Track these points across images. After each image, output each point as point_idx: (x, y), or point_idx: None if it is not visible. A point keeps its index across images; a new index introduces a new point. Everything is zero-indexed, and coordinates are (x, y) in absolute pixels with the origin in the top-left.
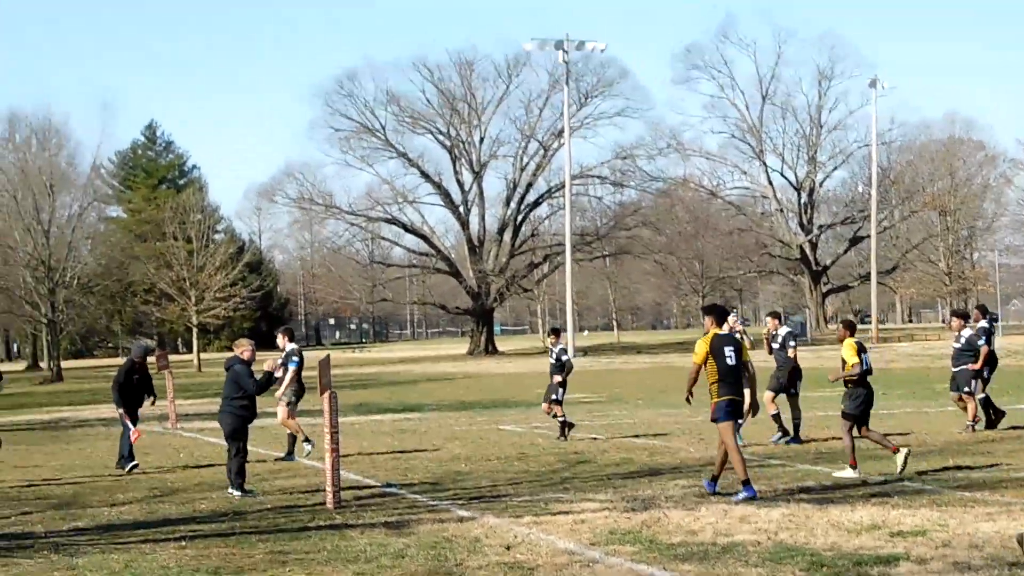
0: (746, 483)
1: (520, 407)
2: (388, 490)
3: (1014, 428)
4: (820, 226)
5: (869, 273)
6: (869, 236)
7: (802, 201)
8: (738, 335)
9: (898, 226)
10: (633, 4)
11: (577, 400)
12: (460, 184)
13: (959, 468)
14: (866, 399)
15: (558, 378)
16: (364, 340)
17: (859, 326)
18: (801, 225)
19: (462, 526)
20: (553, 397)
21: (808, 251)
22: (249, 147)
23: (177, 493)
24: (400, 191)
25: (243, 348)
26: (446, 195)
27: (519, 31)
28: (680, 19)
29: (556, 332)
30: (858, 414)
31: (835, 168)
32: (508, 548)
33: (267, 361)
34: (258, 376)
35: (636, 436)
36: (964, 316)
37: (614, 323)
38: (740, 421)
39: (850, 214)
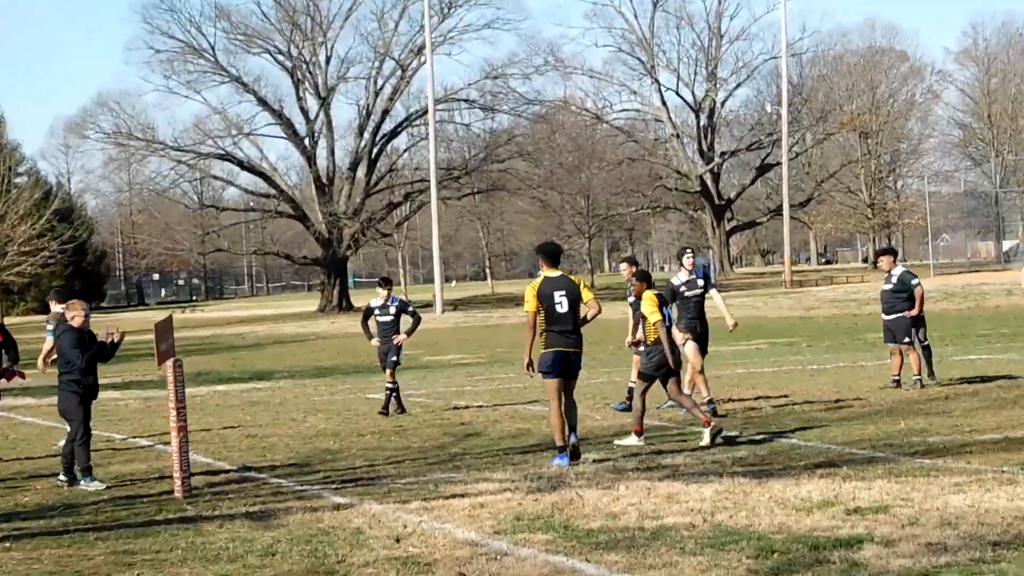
0: (562, 449)
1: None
2: (246, 474)
3: (967, 382)
4: (722, 153)
5: (780, 206)
6: (779, 164)
7: (701, 124)
8: (691, 279)
9: (812, 151)
10: None
11: (452, 362)
12: (304, 112)
13: (913, 432)
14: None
15: (400, 337)
16: (195, 298)
17: (766, 268)
18: (700, 152)
19: (339, 515)
20: (394, 359)
21: (709, 182)
22: (54, 74)
23: None
24: (234, 121)
25: (74, 312)
26: (288, 125)
27: None
28: None
29: (386, 282)
30: (657, 375)
31: (738, 85)
32: (397, 540)
33: (102, 328)
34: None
35: (530, 403)
36: (893, 252)
37: (487, 271)
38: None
39: (756, 138)
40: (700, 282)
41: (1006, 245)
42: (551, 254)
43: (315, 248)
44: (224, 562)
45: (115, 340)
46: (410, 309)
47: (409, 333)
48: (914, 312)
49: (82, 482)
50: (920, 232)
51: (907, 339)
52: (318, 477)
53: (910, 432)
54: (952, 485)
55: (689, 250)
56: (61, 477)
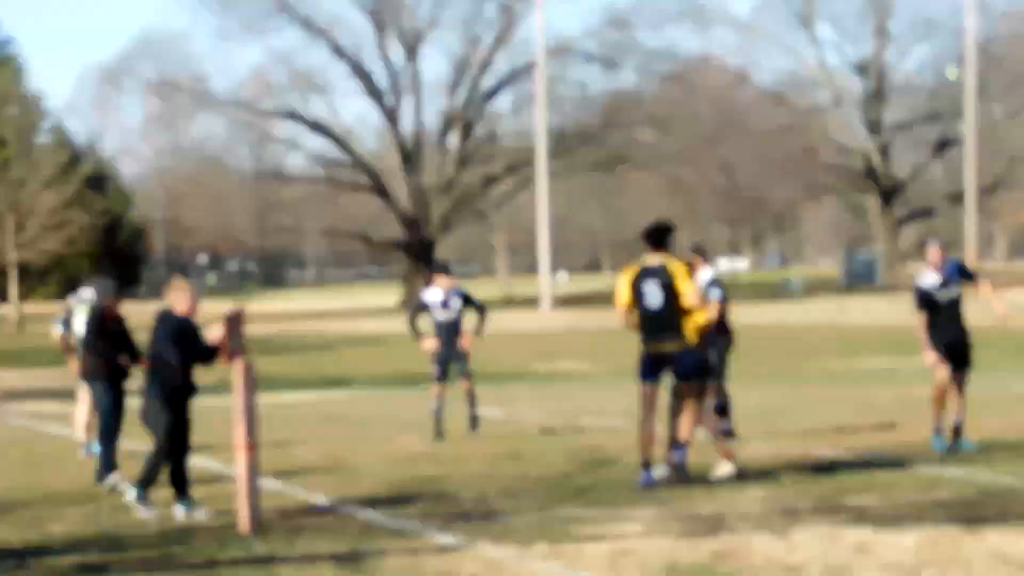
0: (644, 465)
1: (494, 382)
2: (325, 504)
3: None
4: (893, 125)
5: (961, 192)
6: (962, 140)
7: (868, 90)
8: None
9: (1003, 126)
10: None
11: (569, 373)
12: (388, 64)
13: None
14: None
15: (467, 338)
16: (246, 284)
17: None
18: (867, 124)
19: (446, 559)
20: (467, 367)
21: (876, 160)
22: (86, 13)
23: (15, 510)
24: (302, 74)
25: (179, 293)
26: (368, 80)
27: None
28: None
29: (445, 270)
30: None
31: (915, 42)
32: None
33: (213, 327)
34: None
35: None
36: None
37: (604, 262)
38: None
39: (936, 108)
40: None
41: None
42: (650, 235)
43: (396, 229)
44: None
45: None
46: (475, 301)
47: (478, 332)
48: None
49: (141, 508)
50: None
51: None
52: (416, 511)
53: None
54: None
55: (935, 240)
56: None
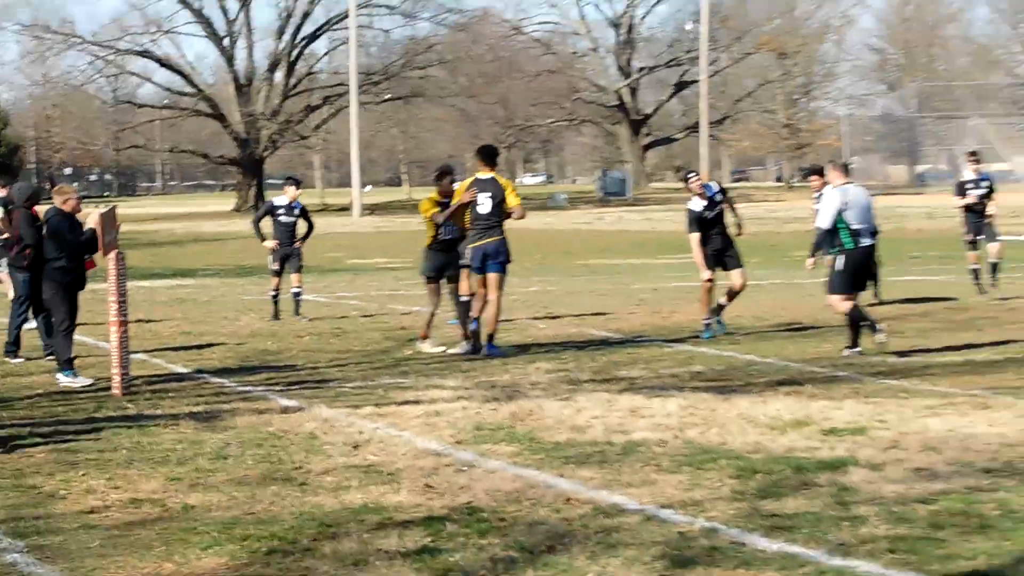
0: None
1: (315, 272)
2: (183, 371)
3: (911, 302)
4: (640, 69)
5: (696, 124)
6: (697, 81)
7: (620, 40)
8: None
9: (729, 71)
10: None
11: (378, 266)
12: (224, 12)
13: (872, 351)
14: None
15: (299, 242)
16: (107, 193)
17: (679, 184)
18: (619, 68)
19: (289, 419)
20: (299, 263)
21: (627, 98)
22: None
23: None
24: (153, 19)
25: (65, 196)
26: (208, 25)
27: None
28: None
29: (296, 183)
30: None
31: (658, 2)
32: (355, 447)
33: (91, 215)
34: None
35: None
36: (821, 172)
37: (402, 177)
38: None
39: (675, 56)
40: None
41: (919, 169)
42: (485, 155)
43: (231, 148)
44: (173, 464)
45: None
46: (309, 217)
47: (304, 239)
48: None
49: (62, 376)
50: (834, 154)
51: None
52: (261, 378)
53: (868, 351)
54: (925, 408)
55: (693, 172)
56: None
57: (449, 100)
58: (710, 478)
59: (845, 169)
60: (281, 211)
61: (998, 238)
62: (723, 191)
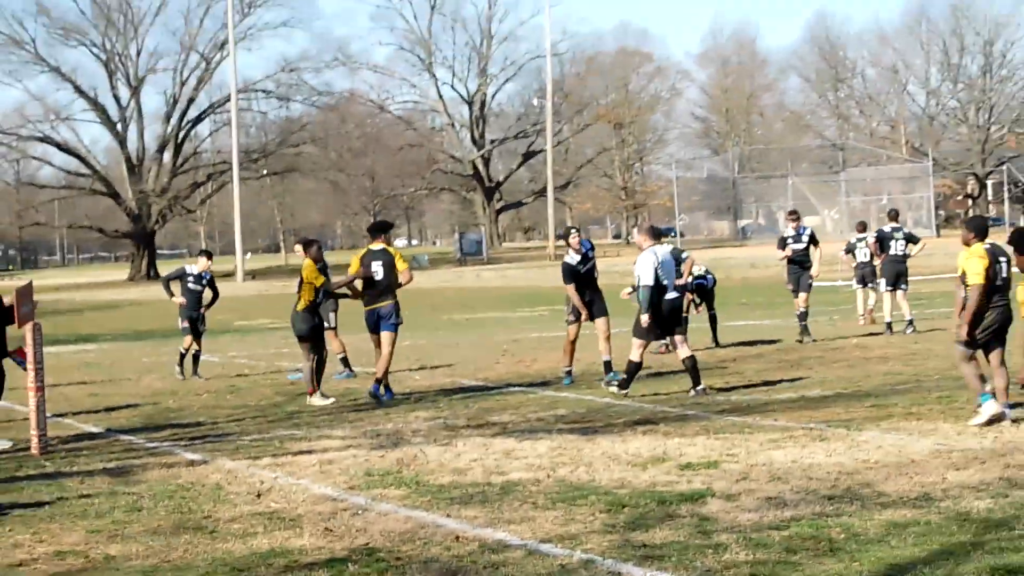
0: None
1: (207, 334)
2: (95, 431)
3: (746, 345)
4: (492, 141)
5: (544, 189)
6: (543, 151)
7: (473, 115)
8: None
9: (571, 140)
10: None
11: (262, 327)
12: (117, 100)
13: (716, 390)
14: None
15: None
16: (11, 267)
17: (528, 243)
18: (473, 140)
19: (195, 471)
20: (202, 328)
21: (480, 167)
22: None
23: None
24: (52, 107)
25: None
26: (102, 111)
27: None
28: None
29: (209, 255)
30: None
31: (507, 80)
32: (258, 496)
33: (8, 290)
34: None
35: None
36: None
37: (281, 244)
38: None
39: (523, 128)
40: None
41: (741, 223)
42: (376, 229)
43: (124, 223)
44: (92, 518)
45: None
46: (215, 287)
47: (208, 306)
48: (681, 281)
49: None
50: (665, 212)
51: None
52: (165, 435)
53: (712, 391)
54: (769, 441)
55: (574, 229)
56: None
57: (321, 174)
58: (583, 513)
59: (653, 232)
60: (191, 279)
61: (811, 286)
62: (592, 247)
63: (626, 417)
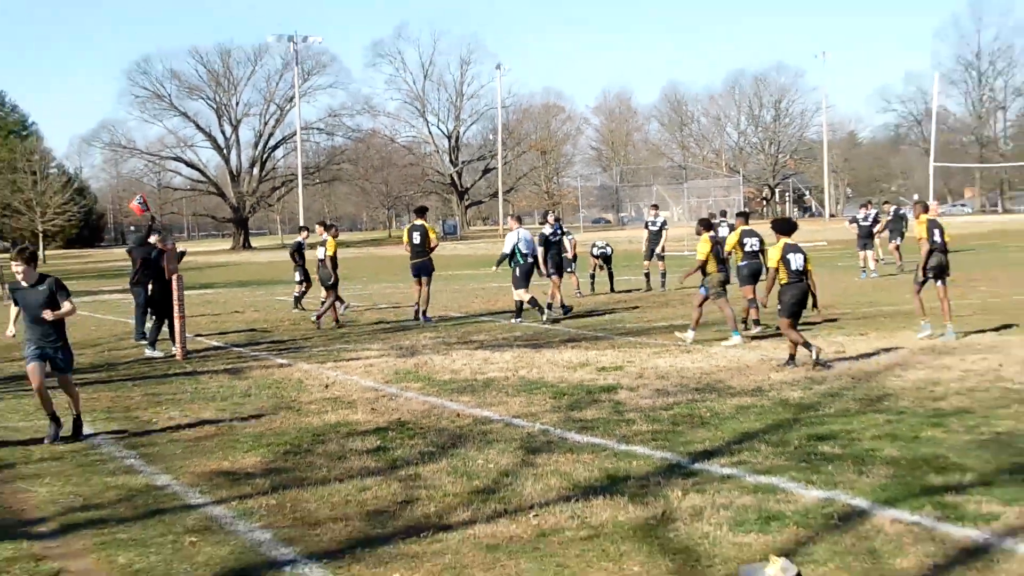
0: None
1: (282, 284)
2: (216, 344)
3: (627, 291)
4: (463, 162)
5: (495, 192)
6: (495, 168)
7: (451, 145)
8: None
9: (513, 162)
10: (337, 6)
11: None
12: (223, 133)
13: (616, 321)
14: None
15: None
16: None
17: (485, 227)
18: (451, 161)
19: (284, 371)
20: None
21: (456, 178)
22: (72, 106)
23: None
24: (182, 138)
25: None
26: (214, 141)
27: (261, 26)
28: (374, 17)
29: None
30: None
31: (472, 123)
32: (327, 387)
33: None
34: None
35: (377, 306)
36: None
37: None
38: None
39: (483, 154)
40: (559, 232)
41: (621, 215)
42: (417, 211)
43: (228, 212)
44: (219, 400)
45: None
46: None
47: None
48: (570, 254)
49: (147, 350)
50: (573, 208)
51: (570, 269)
52: (263, 348)
53: (614, 321)
54: (653, 353)
55: (551, 212)
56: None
57: (354, 183)
58: (538, 399)
59: (519, 220)
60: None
61: (664, 255)
62: (562, 226)
63: (561, 337)
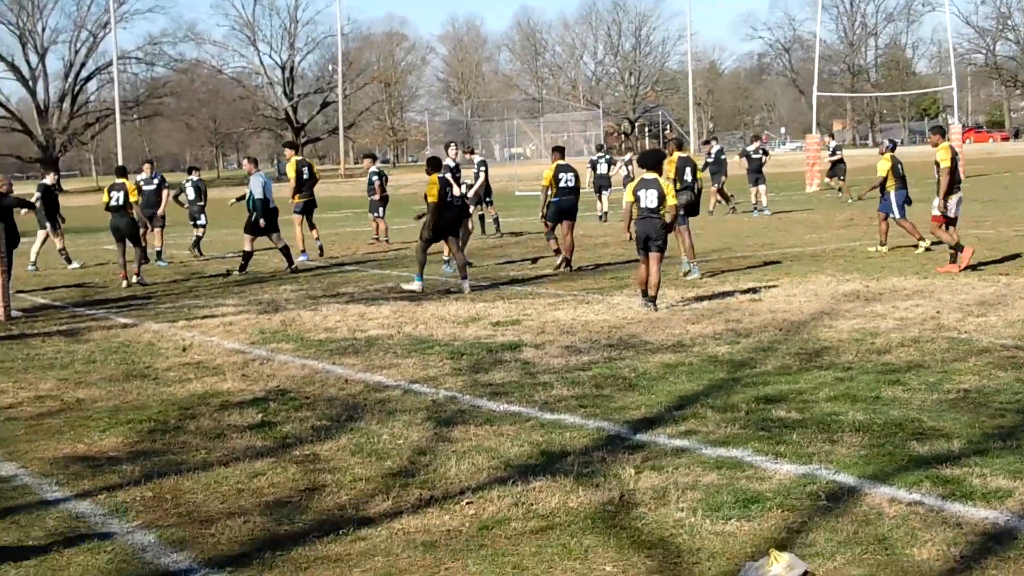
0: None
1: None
2: (44, 302)
3: (513, 234)
4: (299, 95)
5: (335, 128)
6: (335, 102)
7: (285, 77)
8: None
9: (353, 95)
10: None
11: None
12: (28, 63)
13: (496, 269)
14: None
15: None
16: None
17: (324, 166)
18: (286, 94)
19: (130, 332)
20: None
21: (291, 113)
22: None
23: None
24: None
25: None
26: (18, 72)
27: None
28: None
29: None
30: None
31: (308, 52)
32: (184, 350)
33: None
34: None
35: (223, 256)
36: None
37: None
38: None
39: (320, 87)
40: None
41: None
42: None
43: (35, 152)
44: (58, 368)
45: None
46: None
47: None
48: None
49: None
50: (419, 145)
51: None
52: (100, 305)
53: (494, 269)
54: (549, 305)
55: (454, 143)
56: None
57: (177, 118)
58: (433, 360)
59: (253, 162)
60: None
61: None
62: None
63: (438, 287)
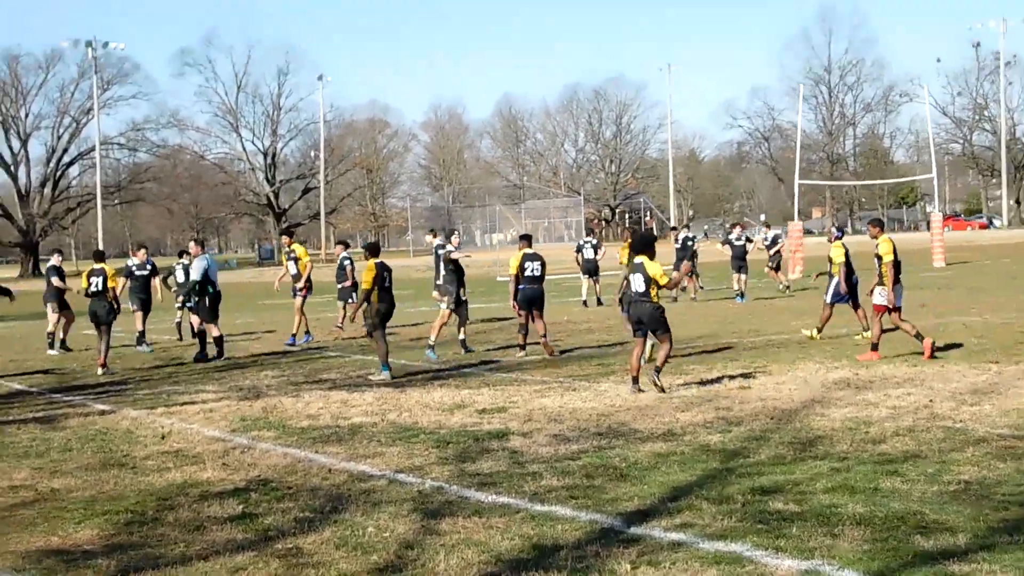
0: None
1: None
2: (20, 388)
3: (488, 321)
4: (281, 180)
5: (317, 214)
6: (317, 187)
7: (267, 163)
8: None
9: (335, 181)
10: (140, 10)
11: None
12: (11, 149)
13: (482, 355)
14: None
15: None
16: None
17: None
18: (267, 180)
19: (107, 419)
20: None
21: (272, 199)
22: None
23: None
24: None
25: None
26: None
27: (54, 31)
28: (181, 22)
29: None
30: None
31: (291, 139)
32: (163, 438)
33: None
34: None
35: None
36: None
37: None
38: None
39: (302, 172)
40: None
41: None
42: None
43: (16, 236)
44: (34, 456)
45: None
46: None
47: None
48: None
49: None
50: (401, 230)
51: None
52: (77, 391)
53: (480, 355)
54: (535, 392)
55: (456, 231)
56: None
57: (158, 203)
58: (419, 449)
59: (202, 245)
60: (135, 268)
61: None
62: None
63: (422, 374)
